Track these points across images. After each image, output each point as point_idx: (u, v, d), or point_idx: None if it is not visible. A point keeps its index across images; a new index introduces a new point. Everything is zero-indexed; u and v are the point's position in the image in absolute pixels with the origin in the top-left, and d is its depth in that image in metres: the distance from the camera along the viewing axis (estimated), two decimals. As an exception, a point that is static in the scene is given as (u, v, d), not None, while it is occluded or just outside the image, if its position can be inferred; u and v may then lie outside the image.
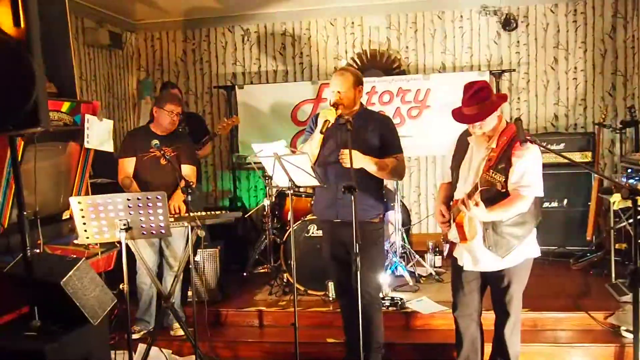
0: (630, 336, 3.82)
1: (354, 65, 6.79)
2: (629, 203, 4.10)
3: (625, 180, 4.32)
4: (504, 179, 2.84)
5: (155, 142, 4.03)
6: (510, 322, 3.23)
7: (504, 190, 2.90)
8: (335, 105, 3.41)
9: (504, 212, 2.99)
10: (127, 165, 4.32)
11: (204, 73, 7.16)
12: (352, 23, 6.85)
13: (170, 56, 7.23)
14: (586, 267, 5.34)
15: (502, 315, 3.25)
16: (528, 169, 2.98)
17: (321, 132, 3.38)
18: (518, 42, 6.57)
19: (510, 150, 2.98)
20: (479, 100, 2.99)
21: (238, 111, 6.66)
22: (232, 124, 5.51)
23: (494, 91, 6.36)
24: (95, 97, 6.34)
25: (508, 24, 6.51)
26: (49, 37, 3.80)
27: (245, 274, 5.67)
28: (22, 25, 2.50)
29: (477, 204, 2.87)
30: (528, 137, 2.88)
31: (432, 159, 6.83)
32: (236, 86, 6.77)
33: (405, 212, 6.15)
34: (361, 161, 3.37)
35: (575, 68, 6.48)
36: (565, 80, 6.52)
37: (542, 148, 3.05)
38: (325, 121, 3.35)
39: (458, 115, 3.11)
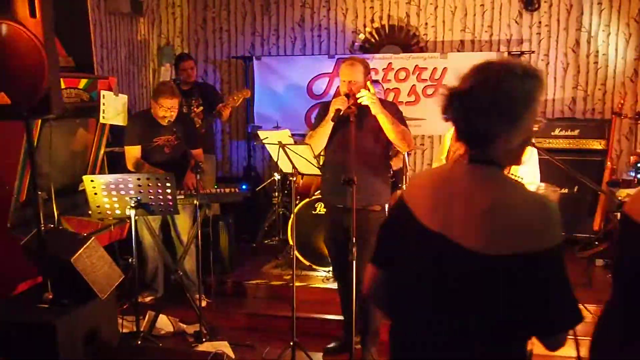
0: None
1: (372, 39, 6.77)
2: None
3: (633, 174, 4.30)
4: None
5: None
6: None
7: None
8: (347, 95, 3.43)
9: None
10: (135, 151, 4.39)
11: (223, 42, 7.20)
12: (372, -4, 6.80)
13: (191, 24, 7.27)
14: (591, 256, 5.35)
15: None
16: (529, 171, 3.11)
17: (332, 120, 3.44)
18: (540, 22, 6.47)
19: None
20: None
21: (255, 82, 6.73)
22: (242, 97, 5.56)
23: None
24: (116, 64, 6.45)
25: (530, 3, 6.40)
26: (67, 14, 3.92)
27: (254, 244, 5.83)
28: (38, 16, 2.61)
29: None
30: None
31: (445, 138, 6.84)
32: (254, 57, 6.82)
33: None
34: (378, 108, 3.41)
35: (597, 52, 6.38)
36: (586, 64, 6.42)
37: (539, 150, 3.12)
38: (337, 109, 3.39)
39: None
